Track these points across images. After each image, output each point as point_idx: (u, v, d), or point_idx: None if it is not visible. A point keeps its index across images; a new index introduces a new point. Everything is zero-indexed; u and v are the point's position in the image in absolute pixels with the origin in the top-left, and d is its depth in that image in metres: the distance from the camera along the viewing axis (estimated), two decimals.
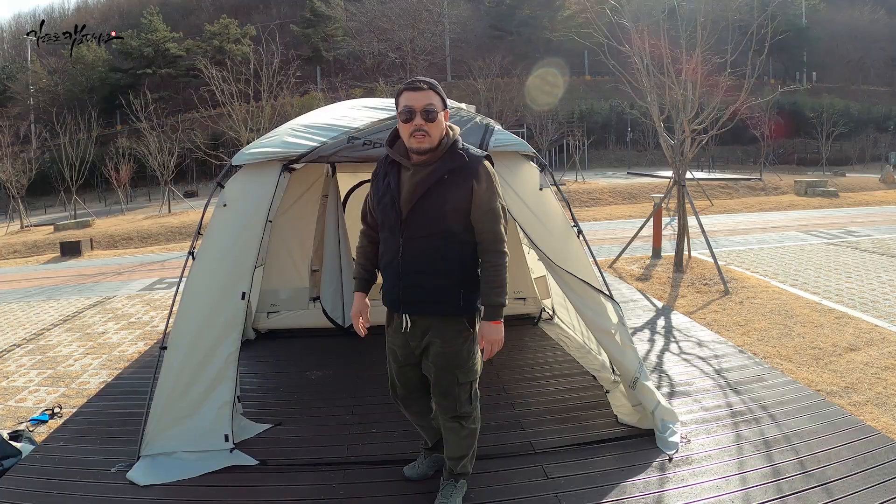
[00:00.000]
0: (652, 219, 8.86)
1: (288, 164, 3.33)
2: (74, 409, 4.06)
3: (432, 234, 2.25)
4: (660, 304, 6.10)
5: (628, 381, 3.16)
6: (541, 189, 3.27)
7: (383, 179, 2.37)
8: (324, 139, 3.28)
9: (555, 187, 3.37)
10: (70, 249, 14.40)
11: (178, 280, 3.32)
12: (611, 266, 8.43)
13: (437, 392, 2.40)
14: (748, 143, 29.32)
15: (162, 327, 6.07)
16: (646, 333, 5.09)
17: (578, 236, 3.32)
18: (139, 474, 2.99)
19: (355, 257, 2.62)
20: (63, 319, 7.12)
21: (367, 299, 2.55)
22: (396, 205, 2.28)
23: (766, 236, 11.38)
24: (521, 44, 42.21)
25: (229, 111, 16.78)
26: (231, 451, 3.14)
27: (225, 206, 3.23)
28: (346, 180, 5.70)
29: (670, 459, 2.91)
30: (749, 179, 22.03)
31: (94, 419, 3.80)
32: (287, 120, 4.15)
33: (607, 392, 3.65)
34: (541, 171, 3.32)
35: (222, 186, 3.28)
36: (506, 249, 2.30)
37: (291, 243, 5.30)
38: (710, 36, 7.32)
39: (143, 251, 14.64)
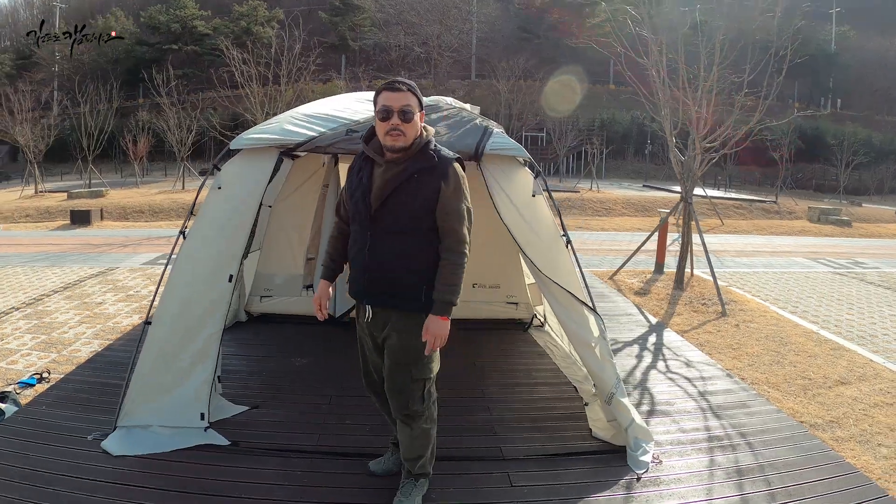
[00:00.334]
0: (657, 233, 8.81)
1: (285, 151, 3.34)
2: (62, 376, 4.12)
3: (399, 230, 2.31)
4: (654, 321, 6.07)
5: (605, 395, 3.15)
6: (533, 195, 3.26)
7: (357, 174, 2.43)
8: (323, 130, 3.29)
9: (547, 193, 3.35)
10: (80, 218, 14.58)
11: (168, 258, 3.35)
12: (611, 278, 8.39)
13: (390, 387, 2.43)
14: (767, 165, 28.97)
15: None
16: (635, 349, 5.07)
17: (567, 246, 3.31)
18: (113, 444, 3.05)
19: (327, 247, 2.68)
20: (64, 287, 7.21)
21: (329, 287, 2.61)
22: (367, 199, 2.34)
23: (773, 260, 11.27)
24: (547, 48, 41.97)
25: (247, 93, 16.86)
26: (205, 430, 3.17)
27: (219, 188, 3.25)
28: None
29: (638, 479, 2.89)
30: (764, 202, 21.80)
31: (78, 387, 3.86)
32: None
33: (586, 404, 3.62)
34: (535, 178, 3.31)
35: (218, 169, 3.30)
36: (466, 251, 2.35)
37: (290, 230, 5.33)
38: (730, 53, 7.25)
39: (152, 225, 14.79)
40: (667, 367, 4.63)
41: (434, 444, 2.59)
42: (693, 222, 7.69)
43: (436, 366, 2.44)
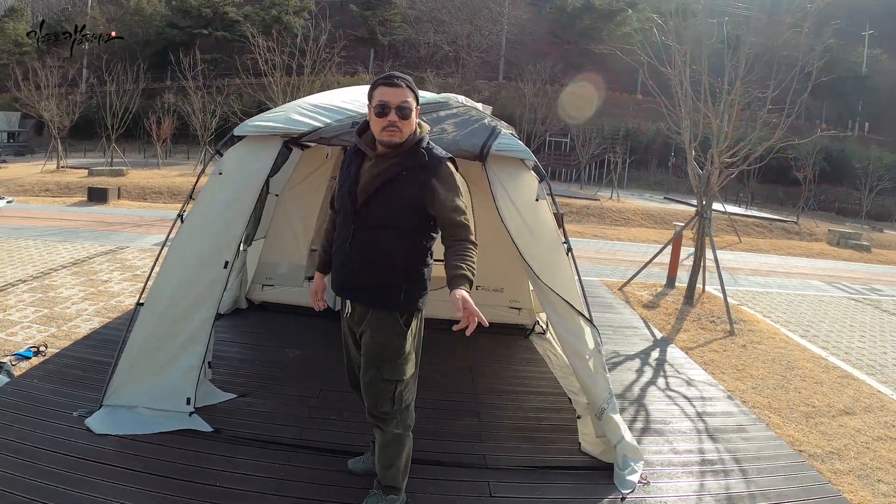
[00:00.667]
0: (670, 246, 8.67)
1: (290, 140, 3.31)
2: (57, 350, 4.14)
3: (383, 226, 2.26)
4: (659, 335, 5.95)
5: (595, 410, 3.07)
6: (537, 200, 3.19)
7: (347, 167, 2.39)
8: (328, 121, 3.25)
9: (550, 198, 3.28)
10: (97, 195, 14.74)
11: (164, 240, 3.34)
12: (620, 289, 8.26)
13: (363, 384, 2.37)
14: (791, 185, 28.49)
15: None
16: (636, 363, 4.97)
17: (568, 253, 3.23)
18: (97, 422, 3.05)
19: (322, 239, 2.66)
20: (72, 262, 7.27)
21: (324, 279, 2.61)
22: (354, 193, 2.30)
23: (788, 281, 11.05)
24: (576, 53, 41.63)
25: (270, 81, 16.93)
26: (190, 415, 3.16)
27: (220, 174, 3.23)
28: None
29: (623, 499, 2.81)
30: (785, 221, 21.39)
31: (71, 363, 3.87)
32: None
33: (579, 417, 3.53)
34: (540, 182, 3.24)
35: (221, 154, 3.27)
36: (473, 238, 2.25)
37: (295, 220, 5.31)
38: (756, 67, 7.10)
39: (169, 207, 14.90)
40: (667, 384, 4.53)
41: (408, 455, 2.48)
42: (707, 237, 7.55)
43: (409, 369, 2.35)
